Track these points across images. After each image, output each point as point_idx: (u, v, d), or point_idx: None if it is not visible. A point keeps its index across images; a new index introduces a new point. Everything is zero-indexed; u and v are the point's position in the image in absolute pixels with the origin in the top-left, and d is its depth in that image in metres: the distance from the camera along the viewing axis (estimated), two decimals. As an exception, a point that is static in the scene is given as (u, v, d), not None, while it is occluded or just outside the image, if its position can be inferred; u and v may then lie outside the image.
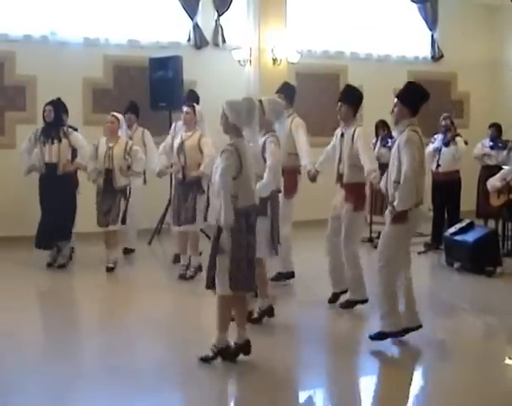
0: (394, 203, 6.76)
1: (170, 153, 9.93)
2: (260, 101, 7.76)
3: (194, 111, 9.69)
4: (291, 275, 9.58)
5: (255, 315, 7.66)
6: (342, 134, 8.28)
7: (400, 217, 6.76)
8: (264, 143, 7.72)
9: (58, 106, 10.35)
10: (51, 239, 10.30)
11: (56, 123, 10.26)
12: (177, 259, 10.34)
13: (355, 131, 8.13)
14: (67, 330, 7.79)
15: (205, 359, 6.46)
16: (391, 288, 6.95)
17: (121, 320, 8.18)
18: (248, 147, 6.52)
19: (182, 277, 9.71)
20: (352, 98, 8.26)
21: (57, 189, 10.15)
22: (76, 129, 10.64)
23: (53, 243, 10.37)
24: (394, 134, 12.75)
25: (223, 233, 6.28)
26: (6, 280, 9.75)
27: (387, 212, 6.96)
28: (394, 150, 6.94)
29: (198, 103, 10.97)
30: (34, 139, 10.29)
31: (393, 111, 6.99)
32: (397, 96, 6.97)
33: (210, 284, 6.43)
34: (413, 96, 6.92)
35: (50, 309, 8.61)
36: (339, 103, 8.27)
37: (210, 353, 6.47)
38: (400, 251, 6.97)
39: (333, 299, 8.53)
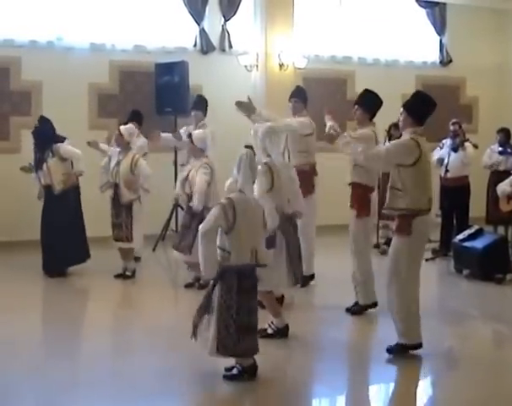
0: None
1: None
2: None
3: (192, 140, 9.36)
4: (310, 277, 9.56)
5: (269, 331, 7.47)
6: None
7: (402, 227, 6.63)
8: None
9: (37, 132, 10.22)
10: (65, 264, 10.23)
11: (39, 148, 10.15)
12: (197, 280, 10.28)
13: None
14: (68, 335, 7.76)
15: (229, 378, 6.26)
16: (406, 304, 6.76)
17: (124, 325, 8.15)
18: (254, 205, 6.28)
19: (189, 285, 9.56)
20: (368, 102, 8.21)
21: (54, 211, 10.08)
22: (64, 138, 10.38)
23: (66, 267, 10.29)
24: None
25: (214, 291, 6.09)
26: (8, 284, 9.71)
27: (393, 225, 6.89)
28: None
29: (206, 109, 10.93)
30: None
31: (399, 119, 6.91)
32: (403, 105, 6.87)
33: (195, 335, 6.21)
34: (419, 106, 6.80)
35: (52, 314, 8.54)
36: (355, 106, 8.27)
37: (235, 372, 6.27)
38: (410, 264, 6.73)
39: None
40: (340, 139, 6.95)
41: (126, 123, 10.65)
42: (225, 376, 6.27)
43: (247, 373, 6.23)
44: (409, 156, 6.61)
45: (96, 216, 10.60)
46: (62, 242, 9.99)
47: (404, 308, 6.77)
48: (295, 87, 9.94)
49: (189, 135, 9.54)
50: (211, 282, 6.15)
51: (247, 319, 6.12)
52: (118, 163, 10.03)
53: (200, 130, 9.90)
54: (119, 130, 10.13)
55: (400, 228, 6.68)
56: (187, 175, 9.35)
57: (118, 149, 10.15)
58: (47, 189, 10.16)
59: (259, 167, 7.15)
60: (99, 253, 10.58)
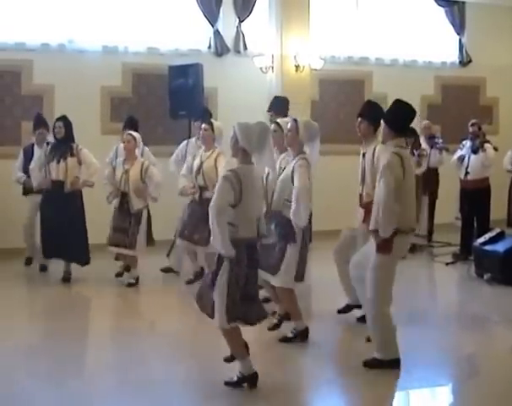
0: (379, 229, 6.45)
1: (190, 174, 9.64)
2: (295, 121, 7.49)
3: (213, 128, 9.39)
4: None
5: (290, 335, 7.46)
6: (364, 154, 8.01)
7: (384, 246, 6.44)
8: (294, 166, 7.35)
9: (69, 123, 10.09)
10: (60, 252, 10.05)
11: (66, 139, 10.03)
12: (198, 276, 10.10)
13: (375, 149, 7.83)
14: (78, 344, 7.67)
15: (229, 384, 6.18)
16: (381, 319, 6.60)
17: (134, 333, 7.95)
18: (256, 175, 6.18)
19: (190, 282, 9.67)
20: (372, 114, 7.93)
21: (62, 207, 9.91)
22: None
23: (64, 257, 10.15)
24: (421, 142, 12.50)
25: (223, 265, 5.97)
26: (14, 293, 9.62)
27: (372, 238, 6.67)
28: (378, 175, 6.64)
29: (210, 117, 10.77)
30: (44, 157, 10.10)
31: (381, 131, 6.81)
32: (382, 117, 6.75)
33: (211, 312, 6.11)
34: (397, 116, 6.62)
35: (60, 323, 8.34)
36: (358, 119, 8.00)
37: (235, 379, 6.18)
38: (387, 281, 6.58)
39: (344, 310, 8.32)
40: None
41: (123, 129, 10.66)
42: (226, 383, 6.19)
43: (247, 381, 6.16)
44: (397, 176, 6.38)
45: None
46: (65, 237, 9.85)
47: (378, 323, 6.60)
48: (273, 98, 9.61)
49: (210, 122, 9.46)
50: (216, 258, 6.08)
51: (253, 289, 6.16)
52: (127, 172, 9.88)
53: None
54: (132, 135, 9.99)
55: (382, 248, 6.46)
56: (200, 166, 9.24)
57: (121, 158, 10.10)
58: (57, 185, 9.95)
59: (300, 161, 7.23)
60: (101, 260, 10.46)
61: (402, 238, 6.50)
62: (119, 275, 10.22)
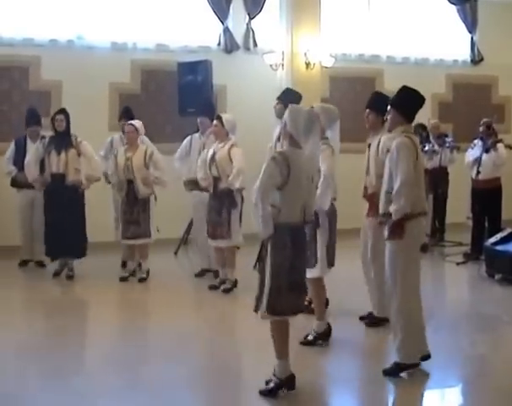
0: (391, 210, 6.27)
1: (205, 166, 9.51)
2: (312, 108, 7.32)
3: (222, 122, 9.31)
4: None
5: (310, 338, 7.32)
6: (369, 145, 7.93)
7: (396, 231, 6.28)
8: None
9: (68, 116, 10.05)
10: (63, 251, 10.04)
11: (67, 132, 10.00)
12: (201, 273, 10.16)
13: (380, 140, 7.73)
14: (83, 343, 7.64)
15: (266, 393, 5.89)
16: (405, 312, 6.40)
17: (140, 331, 7.94)
18: (305, 160, 5.97)
19: (213, 287, 9.44)
20: (380, 106, 7.82)
21: (64, 200, 9.84)
22: None
23: (65, 255, 10.11)
24: (431, 138, 12.41)
25: (268, 252, 5.79)
26: (16, 291, 9.64)
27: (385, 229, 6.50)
28: (386, 158, 6.54)
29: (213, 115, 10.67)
30: (42, 149, 10.04)
31: (387, 118, 6.71)
32: (390, 103, 6.62)
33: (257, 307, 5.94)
34: (407, 102, 6.51)
35: (63, 322, 8.26)
36: (367, 110, 7.95)
37: (272, 385, 5.91)
38: (408, 269, 6.38)
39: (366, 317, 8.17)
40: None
41: (119, 120, 10.77)
42: (261, 392, 5.90)
43: (285, 386, 5.92)
44: (412, 156, 6.31)
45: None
46: (66, 232, 9.81)
47: (401, 320, 6.40)
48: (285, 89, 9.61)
49: (218, 117, 9.43)
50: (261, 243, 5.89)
51: (299, 277, 5.91)
52: (129, 159, 9.87)
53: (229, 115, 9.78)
54: (133, 125, 10.00)
55: (394, 233, 6.32)
56: (213, 157, 9.19)
57: (122, 147, 10.13)
58: (57, 178, 9.91)
59: (323, 146, 7.03)
60: (104, 258, 10.41)
61: (415, 221, 6.35)
62: (124, 279, 9.98)
